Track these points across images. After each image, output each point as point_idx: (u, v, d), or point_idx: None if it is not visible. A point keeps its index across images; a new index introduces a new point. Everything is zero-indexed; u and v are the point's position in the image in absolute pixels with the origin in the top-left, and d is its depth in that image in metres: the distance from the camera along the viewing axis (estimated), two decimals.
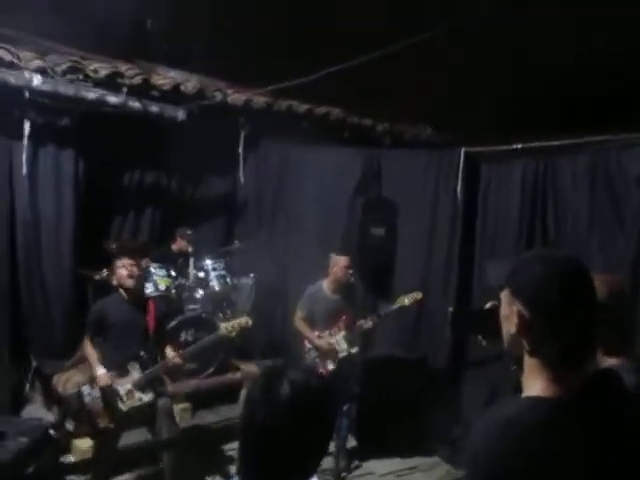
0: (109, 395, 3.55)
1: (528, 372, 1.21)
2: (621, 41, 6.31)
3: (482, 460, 1.13)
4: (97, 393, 3.57)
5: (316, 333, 4.41)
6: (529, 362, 1.21)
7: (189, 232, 5.58)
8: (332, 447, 4.31)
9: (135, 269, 3.79)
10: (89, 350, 3.73)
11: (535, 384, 1.19)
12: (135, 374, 3.61)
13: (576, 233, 4.05)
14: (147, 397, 3.60)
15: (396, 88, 7.95)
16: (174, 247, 5.61)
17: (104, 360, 3.67)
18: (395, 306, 4.37)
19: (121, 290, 3.82)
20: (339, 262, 4.41)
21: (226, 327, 3.80)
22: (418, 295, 4.37)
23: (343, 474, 4.29)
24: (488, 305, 1.48)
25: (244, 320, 3.84)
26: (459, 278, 4.76)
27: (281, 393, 1.22)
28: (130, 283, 3.76)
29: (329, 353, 4.33)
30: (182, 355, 3.76)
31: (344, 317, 4.40)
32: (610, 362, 1.56)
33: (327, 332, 4.40)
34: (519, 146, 4.47)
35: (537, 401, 1.16)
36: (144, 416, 3.67)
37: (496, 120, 7.05)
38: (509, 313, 1.22)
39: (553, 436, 1.11)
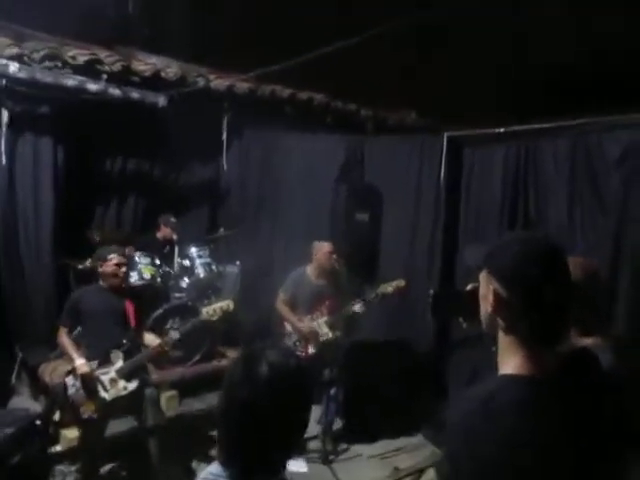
0: (90, 384, 3.53)
1: (503, 350, 1.24)
2: (604, 25, 6.35)
3: (459, 438, 1.16)
4: (80, 383, 3.55)
5: (297, 317, 4.44)
6: (504, 340, 1.24)
7: (173, 219, 5.54)
8: (319, 430, 4.37)
9: (123, 267, 3.84)
10: (64, 339, 3.69)
11: (510, 362, 1.21)
12: (119, 362, 3.60)
13: (557, 215, 4.09)
14: (132, 385, 3.59)
15: (380, 73, 7.94)
16: (158, 235, 5.58)
17: (86, 350, 3.65)
18: (377, 293, 4.40)
19: (101, 280, 3.83)
20: (322, 248, 4.45)
21: (207, 311, 3.78)
22: (401, 283, 4.40)
23: (331, 457, 4.34)
24: (469, 287, 1.50)
25: (225, 304, 3.81)
26: (442, 262, 4.80)
27: (260, 373, 1.23)
28: (116, 282, 3.80)
29: (310, 336, 4.36)
30: (167, 341, 3.74)
31: (327, 302, 4.42)
32: (585, 342, 1.59)
33: (309, 316, 4.43)
34: (501, 130, 4.49)
35: (511, 379, 1.19)
36: (129, 405, 3.67)
37: (480, 104, 7.08)
38: (486, 293, 1.25)
39: (527, 414, 1.14)
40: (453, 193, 4.80)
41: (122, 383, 3.58)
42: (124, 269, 3.86)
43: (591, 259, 1.97)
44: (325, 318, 4.40)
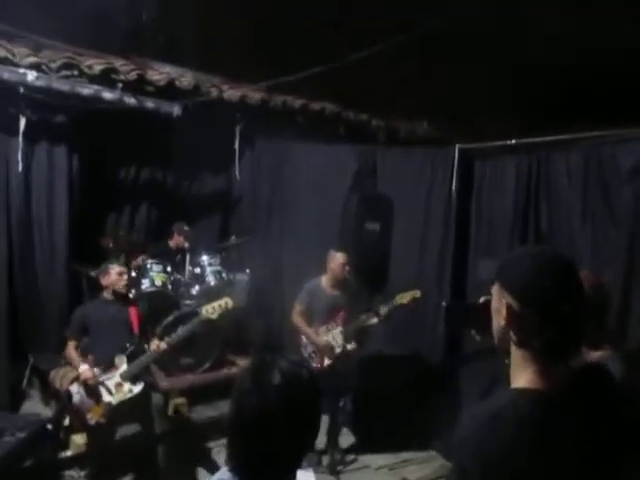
0: (94, 390, 3.57)
1: (515, 364, 1.24)
2: (616, 38, 6.34)
3: (467, 450, 1.16)
4: (84, 390, 3.59)
5: (313, 329, 4.44)
6: (516, 354, 1.23)
7: (186, 228, 5.59)
8: (327, 441, 4.35)
9: (125, 277, 3.96)
10: (70, 351, 3.81)
11: (521, 376, 1.21)
12: (123, 366, 3.64)
13: (569, 228, 4.08)
14: (137, 388, 3.62)
15: (391, 83, 7.97)
16: (171, 243, 5.62)
17: (94, 359, 3.70)
18: (393, 304, 4.37)
19: (105, 291, 3.95)
20: (336, 258, 4.45)
21: (207, 309, 3.80)
22: (417, 294, 4.37)
23: (339, 467, 4.32)
24: (482, 299, 1.49)
25: (224, 301, 3.81)
26: (453, 274, 4.78)
27: (271, 382, 1.23)
28: (119, 291, 3.94)
29: (325, 350, 4.36)
30: (169, 342, 3.76)
31: (341, 313, 4.43)
32: (595, 355, 1.59)
33: (324, 327, 4.43)
34: (513, 142, 4.50)
35: (522, 393, 1.19)
36: (136, 410, 3.69)
37: (492, 116, 7.08)
38: (499, 306, 1.25)
39: (537, 429, 1.13)
40: (464, 205, 4.80)
41: (127, 386, 3.62)
42: (125, 277, 3.97)
43: (597, 272, 1.97)
44: (340, 329, 4.40)
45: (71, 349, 3.82)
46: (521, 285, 1.21)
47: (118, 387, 3.60)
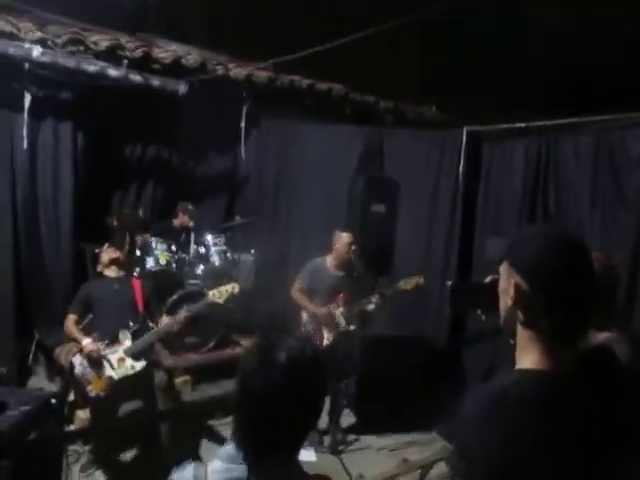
0: (97, 362, 3.59)
1: (521, 344, 1.22)
2: (626, 21, 6.23)
3: (470, 431, 1.14)
4: (87, 362, 3.62)
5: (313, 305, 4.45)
6: (523, 334, 1.21)
7: (191, 207, 5.58)
8: (328, 422, 4.38)
9: (119, 259, 4.05)
10: (69, 324, 3.81)
11: (527, 356, 1.19)
12: (127, 342, 3.66)
13: (578, 212, 4.05)
14: (139, 365, 3.64)
15: (400, 67, 7.89)
16: (175, 222, 5.62)
17: (98, 336, 3.72)
18: (396, 289, 4.34)
19: (105, 270, 4.00)
20: (342, 238, 4.41)
21: (214, 294, 3.80)
22: (420, 280, 4.32)
23: (340, 447, 4.35)
24: (488, 279, 1.45)
25: (231, 286, 3.80)
26: (459, 257, 4.77)
27: (276, 361, 1.23)
28: (117, 268, 4.00)
29: (326, 324, 4.35)
30: (175, 320, 3.76)
31: (342, 294, 4.42)
32: (602, 337, 1.57)
33: (326, 307, 4.42)
34: (522, 125, 4.45)
35: (527, 374, 1.17)
36: (138, 387, 3.72)
37: (500, 99, 7.01)
38: (507, 286, 1.22)
39: (542, 410, 1.12)
40: (471, 188, 4.76)
41: (130, 362, 3.63)
42: (117, 255, 4.07)
43: (605, 254, 1.93)
44: (341, 309, 4.38)
45: (70, 323, 3.82)
46: (530, 264, 1.18)
47: (120, 362, 3.62)
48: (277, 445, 1.25)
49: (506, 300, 1.22)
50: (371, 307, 4.36)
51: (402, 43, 7.66)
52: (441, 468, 3.95)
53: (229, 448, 1.27)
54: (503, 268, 1.25)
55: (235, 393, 1.28)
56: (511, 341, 1.27)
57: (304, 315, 4.49)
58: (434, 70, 8.21)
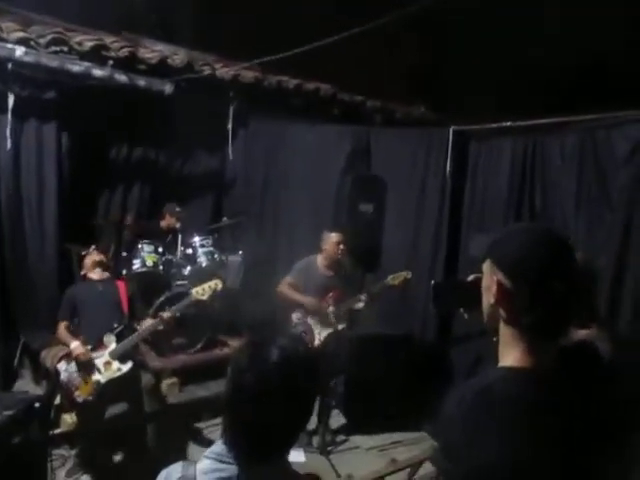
0: (85, 367, 3.56)
1: (504, 342, 1.21)
2: (612, 19, 6.29)
3: (454, 429, 1.14)
4: (73, 367, 3.59)
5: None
6: (505, 332, 1.21)
7: (178, 209, 5.54)
8: (317, 422, 4.37)
9: (103, 261, 4.07)
10: (61, 332, 3.82)
11: (510, 354, 1.19)
12: (112, 345, 3.64)
13: (564, 211, 4.07)
14: (126, 367, 3.62)
15: (388, 66, 7.90)
16: (162, 223, 5.58)
17: (84, 339, 3.70)
18: (384, 285, 4.37)
19: (89, 273, 4.01)
20: (331, 238, 4.43)
21: (197, 290, 3.79)
22: (408, 274, 4.37)
23: (329, 448, 4.34)
24: (471, 277, 1.45)
25: (214, 283, 3.81)
26: (447, 255, 4.78)
27: (268, 359, 1.22)
28: (96, 275, 4.01)
29: (316, 311, 4.35)
30: (158, 320, 3.74)
31: (332, 293, 4.42)
32: (583, 333, 1.57)
33: (316, 307, 4.42)
34: (508, 124, 4.46)
35: (509, 371, 1.17)
36: (125, 389, 3.69)
37: (488, 99, 7.05)
38: (490, 283, 1.21)
39: (524, 407, 1.12)
40: (458, 186, 4.78)
41: (116, 364, 3.61)
42: (101, 258, 4.09)
43: (587, 252, 1.94)
44: (331, 308, 4.38)
45: (62, 330, 3.83)
46: (512, 261, 1.17)
47: (107, 365, 3.59)
48: (268, 445, 1.24)
49: (489, 298, 1.22)
50: (360, 305, 4.38)
51: (390, 43, 7.67)
52: (429, 467, 3.96)
53: (218, 447, 1.26)
54: (486, 266, 1.24)
55: (226, 392, 1.27)
56: (494, 339, 1.26)
57: (294, 316, 4.48)
58: (423, 70, 8.24)
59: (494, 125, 4.57)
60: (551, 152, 4.19)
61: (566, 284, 1.15)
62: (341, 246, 4.40)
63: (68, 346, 3.70)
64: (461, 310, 1.48)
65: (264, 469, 1.23)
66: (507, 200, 4.41)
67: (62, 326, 3.85)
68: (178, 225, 5.53)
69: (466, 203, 4.74)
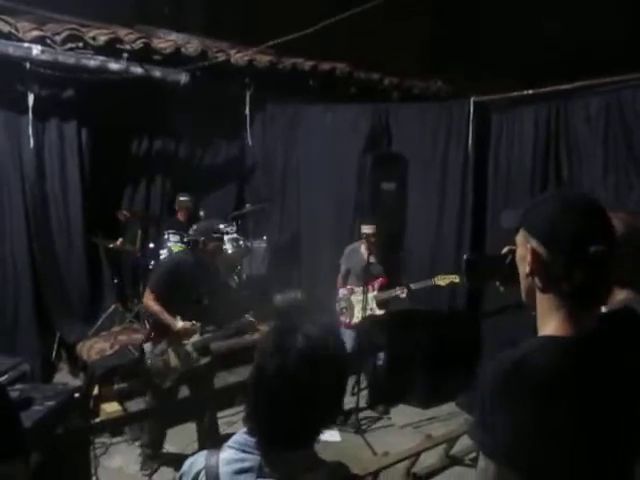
0: (180, 350, 3.58)
1: (542, 313, 1.18)
2: None
3: (491, 398, 1.11)
4: (158, 351, 3.58)
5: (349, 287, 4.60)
6: (543, 302, 1.18)
7: (183, 198, 5.55)
8: (352, 400, 4.39)
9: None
10: (152, 304, 3.58)
11: (549, 324, 1.16)
12: (195, 336, 3.65)
13: (591, 177, 3.97)
14: (204, 360, 3.69)
15: (403, 41, 7.76)
16: (179, 216, 5.62)
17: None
18: (430, 284, 4.31)
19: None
20: (364, 230, 4.48)
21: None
22: (456, 279, 4.25)
23: (363, 426, 4.37)
24: (504, 250, 1.41)
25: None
26: (472, 228, 4.73)
27: (294, 345, 1.20)
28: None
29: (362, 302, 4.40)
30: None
31: (379, 280, 4.51)
32: (622, 296, 1.53)
33: (360, 289, 4.46)
34: (530, 92, 4.37)
35: (549, 340, 1.14)
36: (191, 377, 3.74)
37: (506, 69, 6.88)
38: (524, 253, 1.18)
39: (561, 376, 1.09)
40: (481, 159, 4.70)
41: (195, 355, 3.65)
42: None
43: (632, 212, 1.86)
44: (375, 293, 4.47)
45: (156, 303, 3.59)
46: (546, 227, 1.14)
47: (187, 356, 3.62)
48: (293, 433, 1.21)
49: (524, 268, 1.19)
50: (403, 295, 4.42)
51: (405, 17, 7.53)
52: (465, 442, 3.96)
53: (240, 437, 1.23)
54: (519, 236, 1.21)
55: (251, 378, 1.25)
56: (532, 313, 1.23)
57: (341, 291, 4.62)
58: (439, 44, 8.08)
59: (515, 94, 4.47)
60: (576, 117, 4.09)
61: (602, 247, 1.11)
62: (372, 239, 4.43)
63: (170, 321, 3.54)
64: (497, 284, 1.44)
65: (288, 458, 1.20)
66: (532, 170, 4.32)
67: (152, 298, 3.59)
68: (201, 212, 5.60)
69: (490, 175, 4.67)
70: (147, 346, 3.62)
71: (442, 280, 4.28)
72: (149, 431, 3.83)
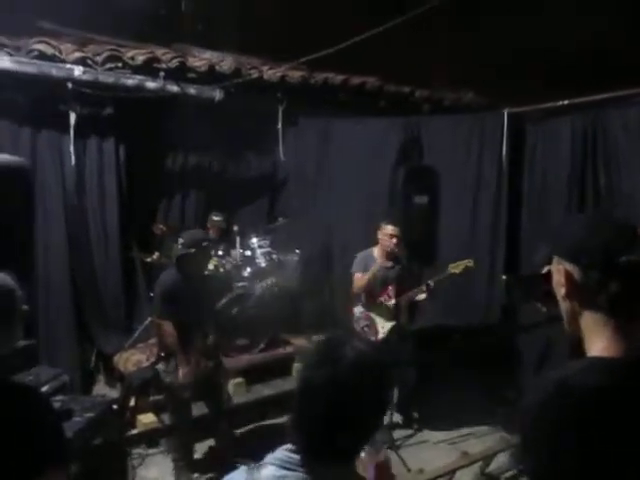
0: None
1: (588, 335, 1.16)
2: None
3: (533, 419, 1.10)
4: (170, 368, 3.68)
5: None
6: (586, 324, 1.16)
7: (216, 218, 5.63)
8: (386, 416, 4.36)
9: None
10: (171, 337, 3.65)
11: (595, 343, 1.14)
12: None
13: (631, 187, 3.87)
14: (211, 363, 3.80)
15: (434, 53, 7.74)
16: (211, 233, 5.70)
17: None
18: (446, 274, 4.26)
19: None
20: (385, 230, 4.40)
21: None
22: (470, 263, 4.21)
23: (397, 442, 4.32)
24: (544, 270, 1.38)
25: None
26: (507, 244, 4.65)
27: (344, 357, 1.20)
28: None
29: (381, 312, 4.36)
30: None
31: (392, 286, 4.40)
32: None
33: (378, 300, 4.41)
34: (565, 102, 4.29)
35: (595, 360, 1.11)
36: (204, 387, 3.81)
37: (538, 80, 6.80)
38: (559, 278, 1.18)
39: (610, 399, 1.06)
40: (516, 171, 4.64)
41: (203, 361, 3.75)
42: None
43: None
44: (393, 301, 4.38)
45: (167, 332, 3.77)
46: (575, 246, 1.15)
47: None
48: (338, 445, 1.19)
49: (560, 292, 1.18)
50: (421, 297, 4.34)
51: (435, 30, 7.52)
52: (501, 460, 3.87)
53: (281, 454, 1.22)
54: (553, 263, 1.21)
55: (297, 389, 1.24)
56: (579, 338, 1.20)
57: (356, 310, 4.50)
58: (470, 54, 8.03)
59: (550, 104, 4.40)
60: (613, 126, 4.00)
61: (635, 257, 1.09)
62: (394, 240, 4.35)
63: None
64: (538, 305, 1.48)
65: (331, 473, 1.19)
66: (568, 182, 4.24)
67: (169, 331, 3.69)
68: (235, 227, 5.68)
69: (525, 189, 4.60)
70: (160, 366, 3.74)
71: (456, 267, 4.22)
72: (174, 447, 3.88)
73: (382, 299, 4.39)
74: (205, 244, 3.74)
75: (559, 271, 1.17)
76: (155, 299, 3.82)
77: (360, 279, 4.42)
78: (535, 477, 1.08)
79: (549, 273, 1.29)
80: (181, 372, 3.61)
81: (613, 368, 1.08)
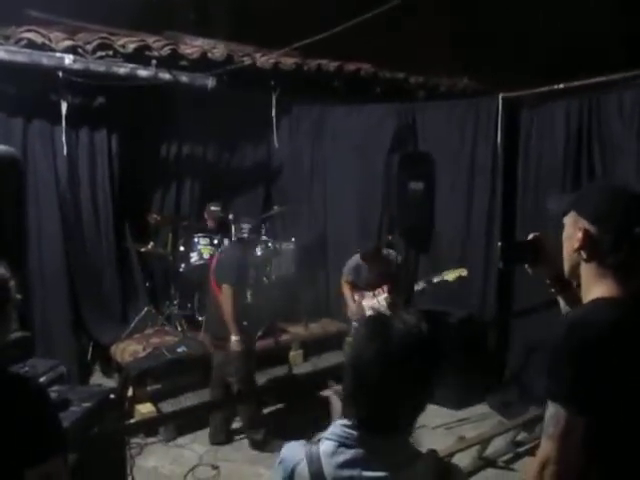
0: None
1: (588, 282, 1.37)
2: None
3: (558, 351, 1.28)
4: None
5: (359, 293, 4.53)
6: (589, 272, 1.36)
7: (213, 208, 5.60)
8: None
9: None
10: (231, 305, 3.90)
11: (594, 290, 1.34)
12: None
13: (625, 172, 3.88)
14: None
15: (429, 38, 7.69)
16: (208, 224, 5.67)
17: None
18: (438, 279, 4.34)
19: None
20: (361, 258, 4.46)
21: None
22: (463, 272, 4.31)
23: None
24: (530, 236, 1.66)
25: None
26: (501, 227, 4.66)
27: (394, 330, 1.22)
28: None
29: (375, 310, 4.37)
30: None
31: (384, 286, 4.47)
32: None
33: (371, 293, 4.45)
34: (560, 86, 4.28)
35: (602, 300, 1.32)
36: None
37: (533, 64, 6.77)
38: (572, 232, 1.38)
39: (624, 332, 1.26)
40: (511, 156, 4.63)
41: None
42: None
43: None
44: (385, 295, 4.44)
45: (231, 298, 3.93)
46: (598, 211, 1.35)
47: None
48: (392, 418, 1.21)
49: (572, 244, 1.39)
50: (417, 288, 4.37)
51: (429, 14, 7.47)
52: (498, 443, 3.90)
53: (338, 429, 1.23)
54: (569, 218, 1.41)
55: (347, 365, 1.25)
56: (574, 284, 1.48)
57: (348, 310, 4.57)
58: (464, 40, 7.98)
59: (545, 89, 4.39)
60: (609, 111, 4.00)
61: None
62: (369, 271, 4.42)
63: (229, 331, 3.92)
64: (525, 266, 1.68)
65: (391, 447, 1.20)
66: (563, 167, 4.24)
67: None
68: (231, 217, 5.63)
69: (520, 173, 4.60)
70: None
71: (449, 275, 4.31)
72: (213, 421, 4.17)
73: (375, 292, 4.42)
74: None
75: (577, 227, 1.37)
76: (227, 265, 3.99)
77: (346, 290, 4.57)
78: (561, 399, 1.25)
79: (536, 240, 1.62)
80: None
81: (618, 304, 1.31)
